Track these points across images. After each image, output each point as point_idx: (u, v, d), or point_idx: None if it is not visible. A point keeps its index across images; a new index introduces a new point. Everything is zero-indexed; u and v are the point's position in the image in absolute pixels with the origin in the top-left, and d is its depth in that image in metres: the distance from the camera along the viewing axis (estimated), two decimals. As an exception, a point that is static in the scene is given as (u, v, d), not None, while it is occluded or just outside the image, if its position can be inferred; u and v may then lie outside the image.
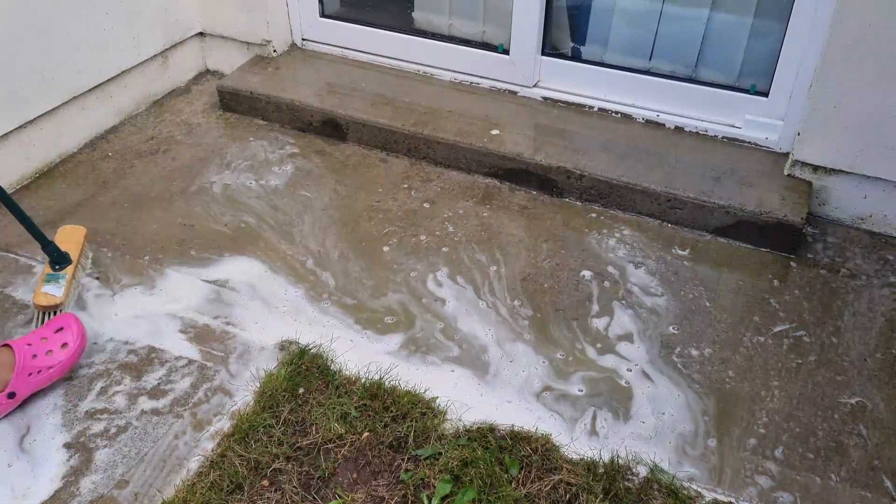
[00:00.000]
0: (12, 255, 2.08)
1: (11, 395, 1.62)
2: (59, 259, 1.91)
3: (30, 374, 1.65)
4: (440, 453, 1.57)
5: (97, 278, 1.99)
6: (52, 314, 1.83)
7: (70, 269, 1.91)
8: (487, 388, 1.73)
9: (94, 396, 1.72)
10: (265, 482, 1.52)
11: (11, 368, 1.63)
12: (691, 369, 1.79)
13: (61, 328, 1.73)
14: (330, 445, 1.59)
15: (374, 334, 1.87)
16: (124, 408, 1.69)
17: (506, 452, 1.58)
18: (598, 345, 1.84)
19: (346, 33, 2.80)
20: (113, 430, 1.64)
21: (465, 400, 1.69)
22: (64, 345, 1.71)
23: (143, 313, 1.92)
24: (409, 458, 1.57)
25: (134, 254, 2.10)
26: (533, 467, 1.55)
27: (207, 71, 3.00)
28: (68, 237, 1.99)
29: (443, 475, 1.52)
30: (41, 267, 2.02)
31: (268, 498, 1.50)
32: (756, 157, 2.31)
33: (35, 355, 1.66)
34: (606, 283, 2.01)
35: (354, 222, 2.22)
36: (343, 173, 2.43)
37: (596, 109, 2.52)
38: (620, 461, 1.57)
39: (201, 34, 2.89)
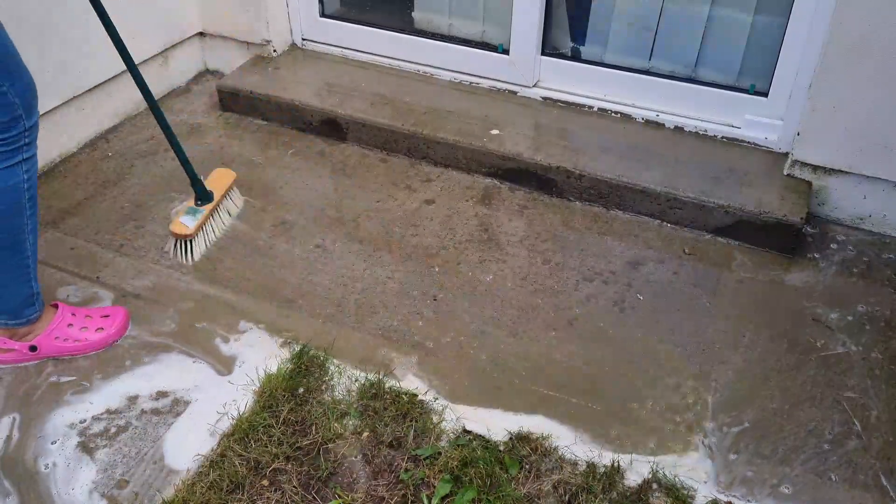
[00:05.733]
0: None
1: (33, 349, 1.75)
2: (202, 196, 2.11)
3: (56, 338, 1.76)
4: (440, 453, 1.57)
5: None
6: (184, 243, 2.05)
7: (209, 206, 2.11)
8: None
9: (94, 396, 1.72)
10: (265, 482, 1.52)
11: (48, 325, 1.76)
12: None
13: (108, 315, 1.84)
14: (330, 445, 1.59)
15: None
16: (124, 408, 1.69)
17: (506, 452, 1.58)
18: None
19: (346, 33, 2.80)
20: (113, 430, 1.64)
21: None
22: (99, 329, 1.81)
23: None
24: (408, 458, 1.57)
25: (134, 253, 2.10)
26: (533, 467, 1.55)
27: (207, 71, 3.00)
28: (218, 179, 2.20)
29: (443, 475, 1.52)
30: (184, 202, 2.19)
31: (268, 498, 1.50)
32: (756, 157, 2.31)
33: (71, 325, 1.78)
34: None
35: (354, 222, 2.22)
36: (343, 173, 2.43)
37: (596, 109, 2.52)
38: (621, 461, 1.58)
39: (201, 34, 2.89)
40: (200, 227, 2.07)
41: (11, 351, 1.74)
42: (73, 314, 1.80)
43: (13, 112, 1.51)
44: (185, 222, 2.05)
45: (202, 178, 2.15)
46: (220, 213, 2.17)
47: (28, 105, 1.54)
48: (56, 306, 1.81)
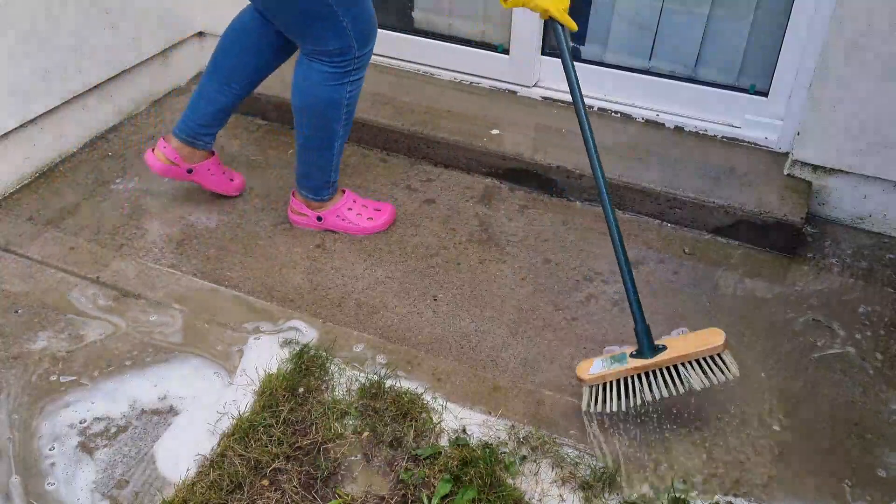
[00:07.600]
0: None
1: (320, 219, 2.15)
2: (642, 348, 1.59)
3: (337, 216, 2.14)
4: (440, 453, 1.57)
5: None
6: (590, 389, 1.61)
7: (638, 363, 1.57)
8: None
9: (95, 396, 1.72)
10: (265, 482, 1.52)
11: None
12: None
13: (379, 209, 2.18)
14: (330, 445, 1.60)
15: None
16: (124, 407, 1.69)
17: (506, 453, 1.58)
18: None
19: (346, 33, 2.79)
20: (113, 430, 1.65)
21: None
22: (370, 218, 2.17)
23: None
24: (408, 458, 1.57)
25: (134, 253, 2.10)
26: (533, 467, 1.55)
27: (207, 70, 3.00)
28: (694, 337, 1.58)
29: (443, 475, 1.52)
30: None
31: (268, 498, 1.50)
32: (755, 156, 2.31)
33: (350, 209, 2.15)
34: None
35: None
36: (343, 172, 2.43)
37: (596, 109, 2.52)
38: (622, 460, 1.58)
39: (201, 33, 2.89)
40: (608, 379, 1.59)
41: (305, 216, 2.15)
42: (354, 201, 2.16)
43: (347, 41, 1.77)
44: (592, 369, 1.59)
45: (682, 331, 1.63)
46: (666, 379, 1.57)
47: (361, 35, 1.80)
48: (343, 192, 2.15)
